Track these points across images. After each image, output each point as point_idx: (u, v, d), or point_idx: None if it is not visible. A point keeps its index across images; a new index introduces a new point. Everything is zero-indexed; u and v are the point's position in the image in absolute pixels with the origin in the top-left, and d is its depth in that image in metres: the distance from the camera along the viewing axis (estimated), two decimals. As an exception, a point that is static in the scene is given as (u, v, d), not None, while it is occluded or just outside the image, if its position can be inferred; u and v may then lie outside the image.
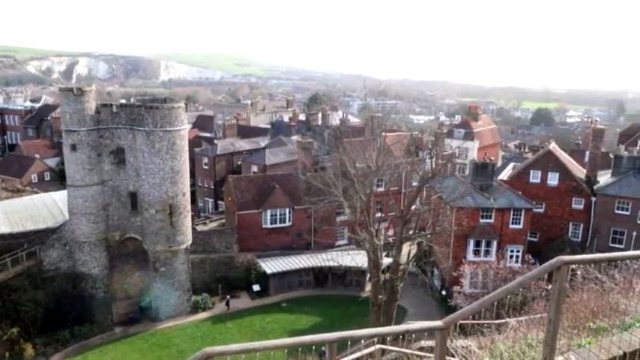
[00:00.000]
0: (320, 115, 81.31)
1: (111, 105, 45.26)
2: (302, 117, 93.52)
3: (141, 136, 42.91)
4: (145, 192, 43.85)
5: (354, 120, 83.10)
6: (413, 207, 37.77)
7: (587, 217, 51.29)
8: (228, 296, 47.50)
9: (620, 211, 49.37)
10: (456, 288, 43.08)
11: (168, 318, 44.71)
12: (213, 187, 70.03)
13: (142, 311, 45.47)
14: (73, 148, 43.04)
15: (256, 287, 49.23)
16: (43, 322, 40.13)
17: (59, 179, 68.55)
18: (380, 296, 35.31)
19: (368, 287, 46.15)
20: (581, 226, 51.86)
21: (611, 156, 55.09)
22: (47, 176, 74.20)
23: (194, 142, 72.86)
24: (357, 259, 46.39)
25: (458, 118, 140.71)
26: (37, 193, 57.66)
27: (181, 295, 45.85)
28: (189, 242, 46.45)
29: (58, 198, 50.03)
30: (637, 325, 6.95)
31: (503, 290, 5.16)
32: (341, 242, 55.21)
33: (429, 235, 39.58)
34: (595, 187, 51.06)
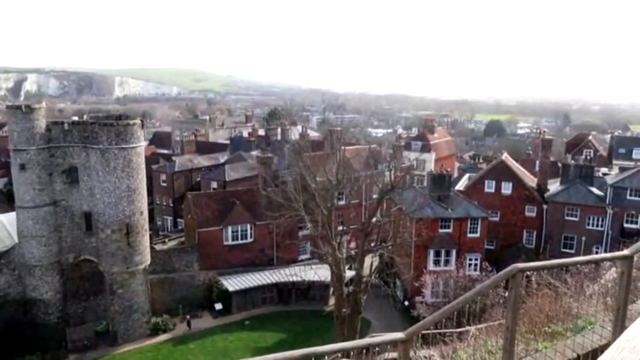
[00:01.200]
0: (279, 129, 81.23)
1: (62, 122, 43.84)
2: (261, 132, 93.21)
3: (95, 154, 41.67)
4: (100, 212, 42.47)
5: (313, 134, 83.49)
6: (374, 219, 38.14)
7: (540, 224, 53.27)
8: (188, 316, 46.37)
9: (569, 218, 51.56)
10: (418, 298, 43.65)
11: (126, 342, 43.17)
12: (172, 204, 68.54)
13: (99, 336, 43.74)
14: (22, 167, 41.29)
15: (218, 306, 48.29)
16: (-10, 352, 37.96)
17: (7, 201, 65.41)
18: (344, 309, 35.29)
19: (332, 301, 46.07)
20: (535, 232, 53.78)
21: (560, 165, 57.61)
22: (-6, 198, 70.69)
23: (151, 160, 71.22)
24: (320, 273, 46.30)
25: (415, 131, 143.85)
26: (-18, 216, 54.75)
27: (140, 317, 44.40)
28: (148, 262, 45.18)
29: (7, 220, 47.64)
30: (589, 327, 7.24)
31: (462, 300, 5.28)
32: (304, 257, 55.01)
33: (390, 247, 40.01)
34: (546, 195, 53.16)
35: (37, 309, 42.82)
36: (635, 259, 6.10)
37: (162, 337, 44.55)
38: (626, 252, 5.54)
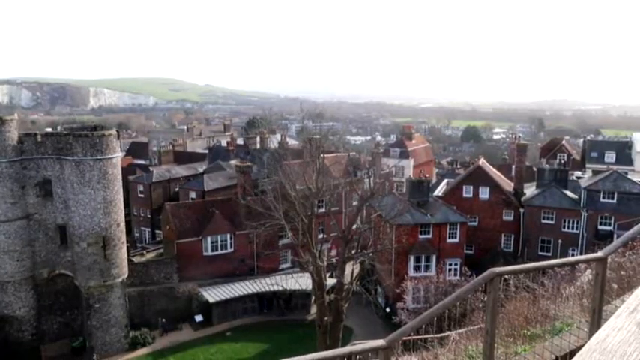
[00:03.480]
0: (258, 138, 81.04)
1: (35, 134, 42.98)
2: (240, 141, 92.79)
3: (69, 166, 40.89)
4: (75, 224, 41.59)
5: (292, 143, 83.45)
6: (354, 226, 38.23)
7: (517, 228, 54.08)
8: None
9: (546, 221, 52.47)
10: (399, 304, 43.70)
11: (104, 357, 42.23)
12: (149, 215, 67.51)
13: (75, 352, 42.72)
14: (-6, 181, 40.25)
15: (199, 317, 47.65)
16: (-39, 373, 36.74)
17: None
18: (326, 318, 35.19)
19: (313, 309, 45.88)
20: (513, 236, 54.56)
21: (535, 169, 58.71)
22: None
23: (128, 170, 70.18)
24: (302, 281, 46.12)
25: (393, 138, 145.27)
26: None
27: (118, 331, 43.50)
28: (126, 275, 44.37)
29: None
30: (566, 329, 7.34)
31: (441, 305, 5.29)
32: (284, 265, 54.73)
33: (371, 254, 40.13)
34: (522, 199, 54.04)
35: (9, 326, 41.57)
36: (609, 260, 6.22)
37: (142, 351, 43.69)
38: (599, 254, 5.64)
